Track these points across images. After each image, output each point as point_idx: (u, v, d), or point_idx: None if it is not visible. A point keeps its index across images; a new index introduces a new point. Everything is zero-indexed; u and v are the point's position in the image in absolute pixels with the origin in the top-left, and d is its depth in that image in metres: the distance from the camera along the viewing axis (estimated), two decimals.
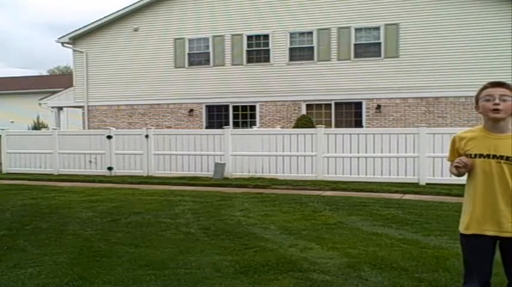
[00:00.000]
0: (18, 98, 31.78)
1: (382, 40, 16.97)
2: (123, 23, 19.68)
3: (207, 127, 18.58)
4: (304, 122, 15.94)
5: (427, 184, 11.02)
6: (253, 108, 18.51)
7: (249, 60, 18.48)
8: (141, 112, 19.76)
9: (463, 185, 3.08)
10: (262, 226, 6.76)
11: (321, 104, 17.71)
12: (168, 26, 19.16)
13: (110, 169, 14.10)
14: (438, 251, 5.25)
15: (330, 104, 17.59)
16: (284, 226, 6.74)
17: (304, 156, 12.27)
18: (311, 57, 17.76)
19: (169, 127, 18.69)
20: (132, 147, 13.96)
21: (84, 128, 20.32)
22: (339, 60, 17.48)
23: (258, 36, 18.33)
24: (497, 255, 4.95)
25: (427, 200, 9.17)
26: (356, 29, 17.21)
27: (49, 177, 13.88)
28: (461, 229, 2.97)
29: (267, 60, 18.27)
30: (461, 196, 2.98)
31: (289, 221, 7.04)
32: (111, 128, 15.01)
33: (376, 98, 17.07)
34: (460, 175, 2.98)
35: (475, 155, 2.88)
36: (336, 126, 16.85)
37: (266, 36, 18.21)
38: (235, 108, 18.71)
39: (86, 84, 20.24)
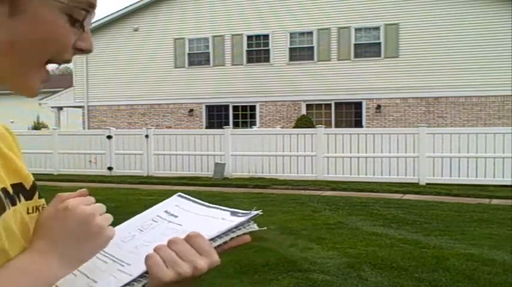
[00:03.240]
0: (18, 98, 31.80)
1: (382, 40, 16.96)
2: (123, 23, 19.67)
3: (207, 127, 18.57)
4: (304, 122, 15.94)
5: (427, 184, 11.02)
6: (253, 108, 18.51)
7: (249, 60, 18.48)
8: (141, 112, 19.75)
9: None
10: (262, 226, 6.75)
11: (321, 104, 17.71)
12: (168, 26, 19.16)
13: (110, 169, 14.10)
14: (438, 251, 5.25)
15: (330, 104, 17.59)
16: (284, 226, 6.74)
17: (304, 156, 12.27)
18: (311, 57, 17.75)
19: (169, 127, 18.68)
20: (132, 147, 13.96)
21: (84, 128, 20.32)
22: (339, 60, 17.47)
23: (258, 36, 18.33)
24: (496, 255, 4.95)
25: (427, 200, 9.17)
26: (356, 29, 17.21)
27: (49, 177, 13.86)
28: None
29: (267, 60, 18.26)
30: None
31: (289, 221, 7.04)
32: (111, 128, 15.01)
33: (376, 98, 17.07)
34: None
35: None
36: (336, 126, 16.84)
37: (266, 36, 18.21)
38: (235, 108, 18.71)
39: (86, 84, 20.24)
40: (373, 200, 9.10)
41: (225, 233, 0.66)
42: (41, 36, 0.59)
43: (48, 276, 0.59)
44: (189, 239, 0.62)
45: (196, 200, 0.76)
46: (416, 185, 10.99)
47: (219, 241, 0.65)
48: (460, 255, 5.09)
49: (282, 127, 17.03)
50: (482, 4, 15.90)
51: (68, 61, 0.65)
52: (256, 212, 0.70)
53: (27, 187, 0.67)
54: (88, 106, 20.37)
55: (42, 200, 0.70)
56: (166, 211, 0.74)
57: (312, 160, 12.20)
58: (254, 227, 0.70)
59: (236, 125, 18.24)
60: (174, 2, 19.10)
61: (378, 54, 17.04)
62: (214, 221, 0.69)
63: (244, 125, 18.34)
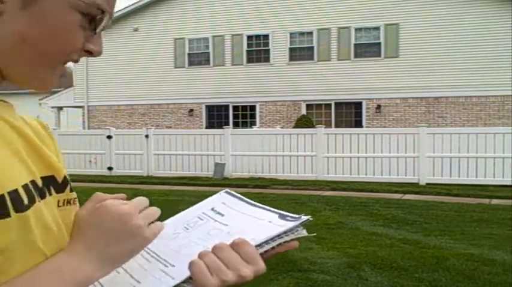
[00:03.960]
0: (18, 98, 31.79)
1: (382, 40, 16.97)
2: (123, 23, 19.68)
3: (207, 127, 18.58)
4: (304, 122, 15.94)
5: (427, 184, 11.02)
6: (253, 108, 18.51)
7: (249, 60, 18.48)
8: (141, 112, 19.76)
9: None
10: None
11: (321, 104, 17.71)
12: (168, 26, 19.16)
13: (110, 169, 14.10)
14: (438, 251, 5.25)
15: (330, 104, 17.59)
16: None
17: (304, 156, 12.27)
18: (311, 57, 17.76)
19: (169, 127, 18.69)
20: (132, 147, 13.96)
21: (84, 128, 20.32)
22: (339, 60, 17.48)
23: (258, 36, 18.33)
24: (496, 255, 4.96)
25: (427, 200, 9.17)
26: (356, 29, 17.21)
27: None
28: None
29: (267, 60, 18.27)
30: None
31: None
32: (111, 128, 15.01)
33: (376, 98, 17.07)
34: None
35: None
36: (336, 126, 16.85)
37: (266, 36, 18.21)
38: (235, 108, 18.71)
39: (86, 84, 20.24)
40: (373, 200, 9.11)
41: (273, 238, 0.63)
42: (51, 31, 0.59)
43: (84, 277, 0.57)
44: (236, 246, 0.61)
45: (243, 198, 0.75)
46: (416, 185, 10.99)
47: (266, 247, 0.63)
48: (460, 255, 5.10)
49: (282, 127, 17.03)
50: (482, 4, 15.90)
51: (75, 61, 0.65)
52: (306, 217, 0.66)
53: (59, 179, 0.67)
54: (88, 106, 20.38)
55: (74, 194, 0.70)
56: (212, 209, 0.73)
57: (312, 160, 12.20)
58: (303, 233, 0.66)
59: (236, 125, 18.25)
60: (174, 2, 19.11)
61: (378, 54, 17.04)
62: (261, 224, 0.67)
63: (244, 125, 18.35)
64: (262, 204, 0.75)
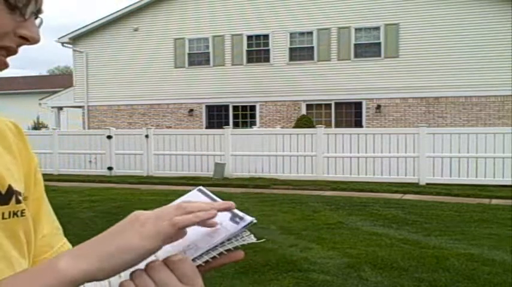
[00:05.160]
0: (18, 98, 31.80)
1: (382, 40, 16.96)
2: (123, 23, 19.67)
3: (207, 127, 18.57)
4: (304, 122, 15.93)
5: (427, 184, 11.02)
6: (253, 108, 18.50)
7: (249, 60, 18.47)
8: (141, 112, 19.75)
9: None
10: (262, 226, 6.76)
11: (321, 104, 17.71)
12: (168, 26, 19.16)
13: (110, 169, 14.10)
14: (438, 251, 5.25)
15: (330, 104, 17.59)
16: (284, 226, 6.74)
17: (304, 156, 12.27)
18: (311, 57, 17.75)
19: (169, 127, 18.68)
20: (132, 147, 13.95)
21: (84, 128, 20.31)
22: (339, 60, 17.47)
23: (258, 36, 18.33)
24: (496, 255, 4.96)
25: (427, 200, 9.18)
26: (356, 29, 17.20)
27: (49, 177, 13.85)
28: None
29: (267, 60, 18.26)
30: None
31: (289, 221, 7.05)
32: (111, 128, 15.00)
33: (376, 98, 17.07)
34: None
35: None
36: (336, 126, 16.84)
37: (266, 36, 18.20)
38: (235, 108, 18.71)
39: (86, 84, 20.24)
40: (373, 200, 9.11)
41: (214, 248, 0.58)
42: None
43: (59, 274, 0.53)
44: (171, 264, 0.55)
45: (214, 196, 0.70)
46: (416, 185, 10.99)
47: (206, 257, 0.58)
48: (460, 255, 5.10)
49: (282, 127, 17.02)
50: (482, 4, 15.89)
51: (11, 49, 0.62)
52: (251, 218, 0.60)
53: (3, 191, 0.63)
54: (88, 106, 20.37)
55: (22, 205, 0.65)
56: None
57: (312, 160, 12.20)
58: (251, 238, 0.60)
59: (236, 125, 18.24)
60: (174, 2, 19.10)
61: (378, 54, 17.04)
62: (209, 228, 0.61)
63: (244, 125, 18.34)
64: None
